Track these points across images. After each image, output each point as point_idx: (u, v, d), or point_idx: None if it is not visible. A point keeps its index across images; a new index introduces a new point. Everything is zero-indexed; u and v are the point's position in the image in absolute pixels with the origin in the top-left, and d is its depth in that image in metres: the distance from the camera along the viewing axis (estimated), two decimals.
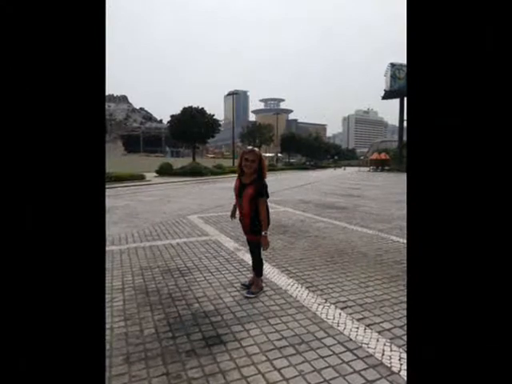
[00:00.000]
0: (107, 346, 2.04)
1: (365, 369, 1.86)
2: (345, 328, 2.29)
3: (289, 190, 13.92)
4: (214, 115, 32.86)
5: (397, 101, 47.32)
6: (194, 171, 23.43)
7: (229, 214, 3.17)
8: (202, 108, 32.34)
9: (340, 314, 2.50)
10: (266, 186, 2.71)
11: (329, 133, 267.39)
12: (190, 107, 31.96)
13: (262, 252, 2.89)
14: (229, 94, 43.37)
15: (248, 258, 3.57)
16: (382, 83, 50.20)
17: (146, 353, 1.99)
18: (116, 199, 10.01)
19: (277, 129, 54.63)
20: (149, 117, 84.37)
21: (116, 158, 29.04)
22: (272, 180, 19.43)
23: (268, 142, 51.39)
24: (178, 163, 26.65)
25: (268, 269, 3.50)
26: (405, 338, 2.17)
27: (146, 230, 5.53)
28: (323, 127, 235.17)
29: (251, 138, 48.30)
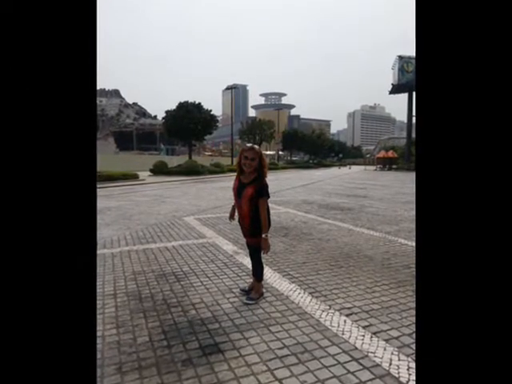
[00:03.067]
0: (98, 355, 2.03)
1: (371, 379, 1.86)
2: (350, 336, 2.29)
3: (291, 189, 13.92)
4: (211, 111, 32.86)
5: (405, 95, 47.30)
6: (191, 170, 23.44)
7: (227, 215, 3.17)
8: (199, 103, 32.34)
9: (345, 322, 2.50)
10: (266, 186, 2.71)
11: (333, 129, 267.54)
12: (186, 102, 31.97)
13: (263, 255, 2.89)
14: (227, 89, 43.36)
15: (247, 261, 3.57)
16: (389, 77, 50.22)
17: (139, 362, 1.99)
18: (108, 199, 10.01)
19: (278, 125, 54.59)
20: (142, 112, 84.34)
21: (108, 156, 29.04)
22: (273, 179, 19.43)
23: (269, 139, 51.34)
24: (173, 161, 26.66)
25: (269, 273, 3.49)
26: (413, 346, 2.17)
27: (140, 233, 5.53)
28: (327, 123, 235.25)
29: (251, 135, 48.26)
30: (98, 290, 3.02)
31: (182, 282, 3.28)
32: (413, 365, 1.97)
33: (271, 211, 2.83)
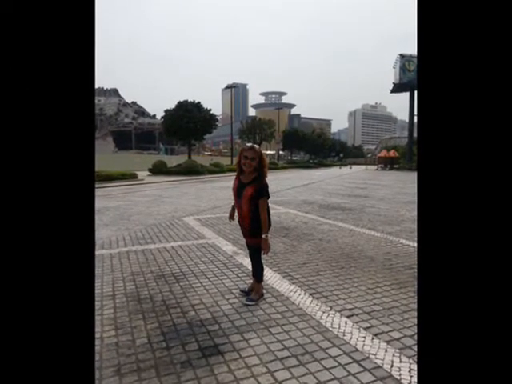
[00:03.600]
0: (97, 357, 2.03)
1: (372, 381, 1.86)
2: (351, 337, 2.29)
3: (291, 189, 13.92)
4: (210, 110, 32.92)
5: (406, 94, 47.34)
6: (190, 170, 23.43)
7: (227, 215, 3.17)
8: (199, 102, 32.40)
9: (346, 323, 2.50)
10: (266, 186, 2.71)
11: (334, 128, 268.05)
12: (186, 101, 32.03)
13: (263, 256, 2.88)
14: (227, 87, 43.46)
15: (247, 262, 3.57)
16: (390, 76, 50.22)
17: (138, 364, 1.99)
18: (106, 200, 10.01)
19: (278, 124, 54.63)
20: (141, 111, 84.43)
21: (106, 156, 29.07)
22: (273, 179, 19.43)
23: (269, 139, 51.39)
24: (172, 161, 26.66)
25: (269, 274, 3.49)
26: (415, 348, 2.17)
27: (139, 233, 5.53)
28: (328, 122, 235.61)
29: (251, 135, 48.32)
30: (96, 291, 3.01)
31: (181, 283, 3.28)
32: (414, 367, 1.97)
33: (271, 211, 2.83)
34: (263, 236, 2.68)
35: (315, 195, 11.64)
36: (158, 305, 2.80)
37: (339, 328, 2.42)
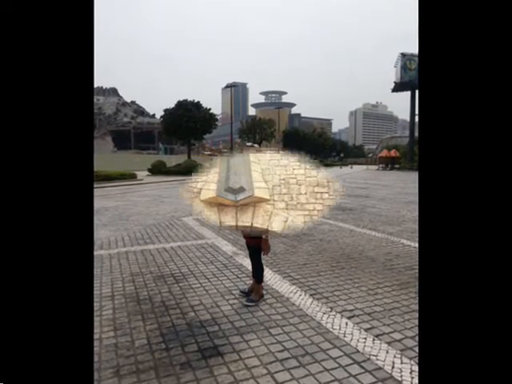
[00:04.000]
0: (96, 358, 2.03)
1: (373, 383, 1.86)
2: (352, 339, 2.29)
3: None
4: (210, 109, 32.96)
5: (408, 94, 47.34)
6: (190, 170, 23.37)
7: None
8: (198, 101, 32.45)
9: (346, 324, 2.50)
10: None
11: (334, 128, 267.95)
12: (185, 101, 32.07)
13: (263, 257, 2.89)
14: (227, 87, 43.52)
15: (247, 263, 3.57)
16: (391, 75, 50.22)
17: (137, 365, 1.99)
18: (105, 200, 10.01)
19: (278, 124, 54.63)
20: (141, 111, 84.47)
21: (105, 156, 29.07)
22: None
23: (269, 139, 51.41)
24: (172, 161, 26.67)
25: (269, 275, 3.49)
26: (416, 349, 2.17)
27: (138, 233, 5.53)
28: (328, 122, 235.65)
29: (251, 134, 48.35)
30: (95, 292, 3.01)
31: (180, 284, 3.28)
32: (416, 368, 1.97)
33: None
34: (263, 236, 2.68)
35: None
36: (157, 306, 2.80)
37: (340, 329, 2.42)
